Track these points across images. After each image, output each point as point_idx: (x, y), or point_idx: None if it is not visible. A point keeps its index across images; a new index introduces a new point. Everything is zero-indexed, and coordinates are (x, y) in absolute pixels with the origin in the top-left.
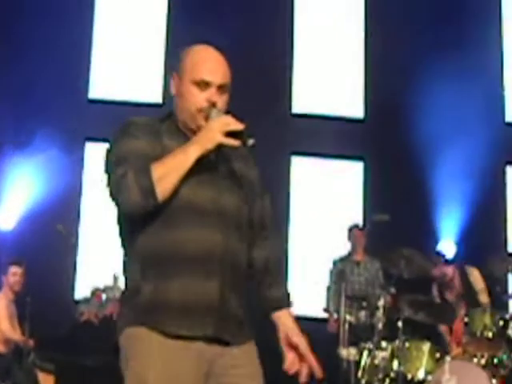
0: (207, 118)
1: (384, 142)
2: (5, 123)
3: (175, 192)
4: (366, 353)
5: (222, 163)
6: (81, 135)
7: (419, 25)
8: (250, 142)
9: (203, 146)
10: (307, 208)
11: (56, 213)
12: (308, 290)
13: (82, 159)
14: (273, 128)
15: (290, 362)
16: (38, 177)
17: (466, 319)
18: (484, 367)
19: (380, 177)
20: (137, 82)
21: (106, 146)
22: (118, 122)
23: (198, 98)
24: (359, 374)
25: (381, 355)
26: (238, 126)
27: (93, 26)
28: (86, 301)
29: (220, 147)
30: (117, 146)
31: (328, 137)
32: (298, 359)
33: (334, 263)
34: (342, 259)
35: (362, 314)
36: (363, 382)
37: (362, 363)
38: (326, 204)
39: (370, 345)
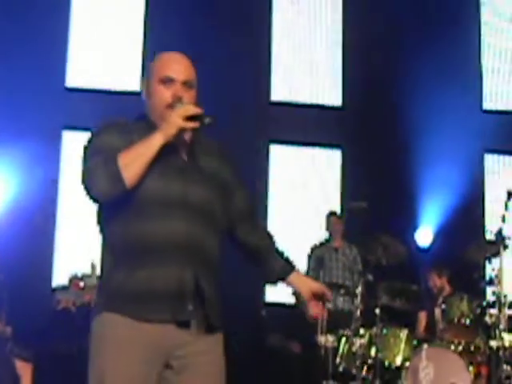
0: None
1: (362, 129)
2: None
3: (144, 185)
4: (343, 340)
5: (192, 161)
6: (59, 124)
7: (399, 13)
8: (207, 120)
9: (166, 132)
10: (285, 196)
11: (34, 202)
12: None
13: (59, 148)
14: (251, 116)
15: (317, 309)
16: (15, 166)
17: (443, 306)
18: (461, 354)
19: (358, 165)
20: (115, 70)
21: (84, 134)
22: (96, 110)
23: (165, 95)
24: (337, 360)
25: (359, 342)
26: (195, 110)
27: (70, 13)
28: (64, 288)
29: (183, 132)
30: (92, 141)
31: (306, 125)
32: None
33: (312, 249)
34: (321, 245)
35: (340, 300)
36: (341, 368)
37: (340, 350)
38: (304, 192)
39: (347, 332)
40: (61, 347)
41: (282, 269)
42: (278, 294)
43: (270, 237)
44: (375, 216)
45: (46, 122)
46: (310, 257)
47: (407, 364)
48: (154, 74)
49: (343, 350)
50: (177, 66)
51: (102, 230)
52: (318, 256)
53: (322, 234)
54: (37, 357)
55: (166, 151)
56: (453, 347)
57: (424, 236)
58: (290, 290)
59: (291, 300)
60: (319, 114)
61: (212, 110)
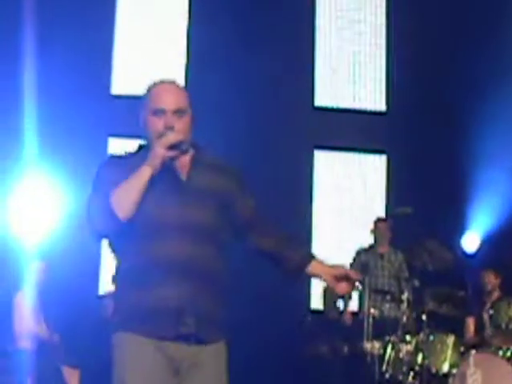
0: None
1: (406, 134)
2: None
3: (143, 211)
4: (390, 346)
5: (191, 180)
6: (104, 131)
7: (444, 14)
8: (185, 147)
9: (152, 163)
10: (330, 202)
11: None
12: None
13: (105, 155)
14: (296, 122)
15: (343, 287)
16: (67, 173)
17: (490, 311)
18: (509, 360)
19: (403, 170)
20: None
21: (129, 142)
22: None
23: (157, 125)
24: (383, 367)
25: (405, 349)
26: (175, 139)
27: (115, 21)
28: (111, 295)
29: (171, 159)
30: (95, 179)
31: (351, 130)
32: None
33: (357, 254)
34: (366, 250)
35: (386, 307)
36: (387, 375)
37: (387, 357)
38: (349, 198)
39: (394, 338)
40: (108, 354)
41: (301, 259)
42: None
43: (282, 233)
44: (421, 221)
45: (91, 128)
46: (354, 260)
47: (454, 371)
48: (146, 107)
49: (389, 356)
50: (167, 96)
51: (112, 253)
52: (363, 261)
53: (367, 240)
54: (84, 363)
55: (165, 174)
56: (501, 353)
57: (471, 242)
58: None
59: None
60: (364, 119)
61: (257, 116)
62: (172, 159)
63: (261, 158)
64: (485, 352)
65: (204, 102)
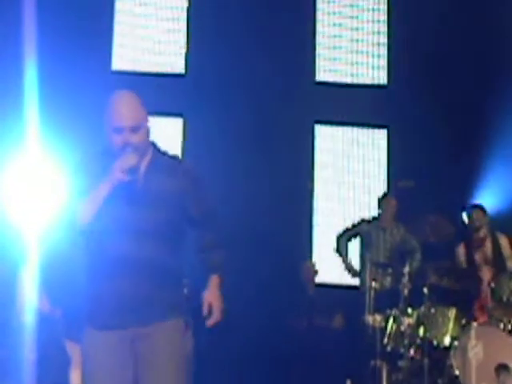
0: None
1: (408, 108)
2: None
3: (102, 216)
4: (391, 319)
5: (145, 184)
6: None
7: None
8: (132, 177)
9: (109, 184)
10: (331, 177)
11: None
12: (333, 258)
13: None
14: (296, 97)
15: (207, 312)
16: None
17: (492, 284)
18: (510, 332)
19: (404, 144)
20: (159, 53)
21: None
22: (141, 93)
23: (117, 141)
24: (385, 340)
25: (406, 322)
26: (129, 164)
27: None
28: None
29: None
30: (72, 183)
31: (352, 105)
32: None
33: (360, 222)
34: (369, 222)
35: (388, 280)
36: (389, 348)
37: (388, 330)
38: (350, 173)
39: (395, 311)
40: None
41: (208, 269)
42: (327, 274)
43: (215, 242)
44: (423, 195)
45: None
46: (353, 227)
47: (456, 343)
48: (107, 122)
49: (391, 329)
50: (123, 115)
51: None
52: (365, 231)
53: (367, 214)
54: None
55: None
56: (502, 325)
57: None
58: (339, 271)
59: (340, 281)
60: (364, 93)
61: (257, 92)
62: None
63: (262, 133)
64: (486, 325)
65: (204, 76)
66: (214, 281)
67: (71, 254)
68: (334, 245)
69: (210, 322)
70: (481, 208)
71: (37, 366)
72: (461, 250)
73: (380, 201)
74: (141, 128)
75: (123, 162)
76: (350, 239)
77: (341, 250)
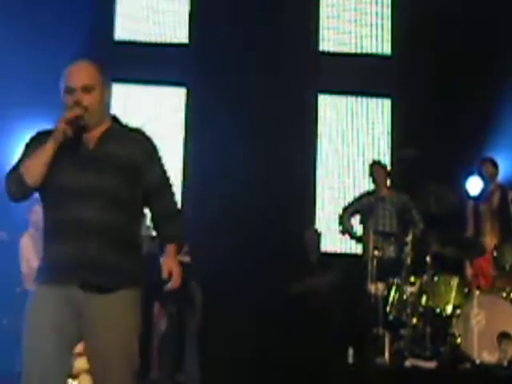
0: None
1: (411, 78)
2: None
3: (53, 178)
4: (394, 288)
5: (98, 149)
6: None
7: None
8: (81, 123)
9: (55, 138)
10: (334, 147)
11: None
12: (335, 227)
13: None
14: (299, 66)
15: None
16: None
17: (495, 253)
18: None
19: (408, 113)
20: (162, 23)
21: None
22: (143, 62)
23: (68, 101)
24: (387, 309)
25: (409, 290)
26: (72, 114)
27: None
28: None
29: (77, 133)
30: (20, 152)
31: (355, 74)
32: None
33: (359, 197)
34: (368, 194)
35: (390, 249)
36: (391, 317)
37: (390, 298)
38: (353, 142)
39: (398, 280)
40: None
41: (163, 238)
42: (330, 243)
43: (170, 211)
44: (426, 165)
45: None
46: (352, 203)
47: (458, 312)
48: (61, 86)
49: (393, 298)
50: (75, 75)
51: None
52: (365, 204)
53: (371, 185)
54: None
55: (74, 144)
56: (504, 294)
57: (474, 185)
58: (343, 240)
59: (342, 249)
60: (368, 62)
61: (262, 62)
62: (81, 132)
63: (265, 102)
64: (488, 293)
65: (208, 46)
66: (170, 248)
67: None
68: (339, 227)
69: (170, 286)
70: (491, 160)
71: None
72: (469, 204)
73: (370, 170)
74: (94, 89)
75: (67, 113)
76: (352, 215)
77: (346, 228)
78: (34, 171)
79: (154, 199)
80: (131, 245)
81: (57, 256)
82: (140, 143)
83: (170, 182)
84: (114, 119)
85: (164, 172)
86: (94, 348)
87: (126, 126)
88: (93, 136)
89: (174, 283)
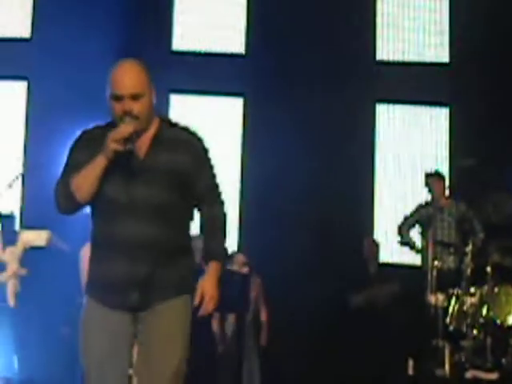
0: None
1: (469, 86)
2: None
3: (103, 192)
4: (454, 299)
5: (149, 159)
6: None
7: None
8: (128, 147)
9: (105, 155)
10: (392, 156)
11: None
12: (394, 238)
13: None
14: (357, 76)
15: (198, 301)
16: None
17: None
18: None
19: (467, 122)
20: (219, 33)
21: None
22: (202, 73)
23: (117, 110)
24: (447, 320)
25: (469, 301)
26: (124, 132)
27: None
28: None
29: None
30: (66, 158)
31: (413, 83)
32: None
33: (417, 209)
34: (426, 205)
35: (450, 259)
36: (451, 328)
37: (450, 309)
38: (411, 151)
39: (458, 291)
40: None
41: (207, 254)
42: (390, 254)
43: (218, 223)
44: (485, 174)
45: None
46: (411, 215)
47: None
48: (108, 90)
49: (453, 309)
50: (123, 81)
51: None
52: (423, 215)
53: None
54: None
55: (123, 155)
56: None
57: None
58: (402, 250)
59: (402, 260)
60: (426, 71)
61: (318, 71)
62: (132, 144)
63: (323, 112)
64: None
65: (265, 56)
66: (212, 266)
67: None
68: (398, 239)
69: (199, 314)
70: None
71: None
72: None
73: (425, 181)
74: (142, 96)
75: (118, 130)
76: (411, 226)
77: (406, 239)
78: (85, 189)
79: (204, 205)
80: (180, 254)
81: (105, 273)
82: (191, 146)
83: (219, 186)
84: (161, 119)
85: (214, 176)
86: (145, 354)
87: (175, 125)
88: (143, 143)
89: (203, 311)
